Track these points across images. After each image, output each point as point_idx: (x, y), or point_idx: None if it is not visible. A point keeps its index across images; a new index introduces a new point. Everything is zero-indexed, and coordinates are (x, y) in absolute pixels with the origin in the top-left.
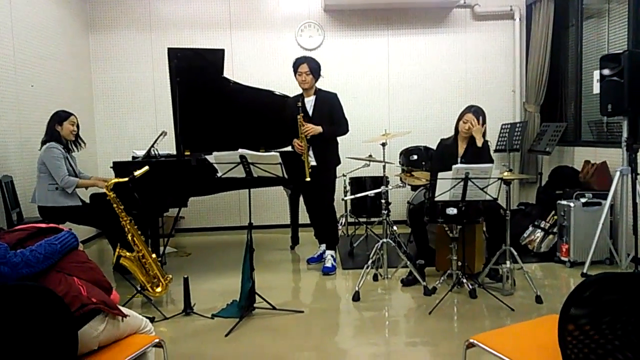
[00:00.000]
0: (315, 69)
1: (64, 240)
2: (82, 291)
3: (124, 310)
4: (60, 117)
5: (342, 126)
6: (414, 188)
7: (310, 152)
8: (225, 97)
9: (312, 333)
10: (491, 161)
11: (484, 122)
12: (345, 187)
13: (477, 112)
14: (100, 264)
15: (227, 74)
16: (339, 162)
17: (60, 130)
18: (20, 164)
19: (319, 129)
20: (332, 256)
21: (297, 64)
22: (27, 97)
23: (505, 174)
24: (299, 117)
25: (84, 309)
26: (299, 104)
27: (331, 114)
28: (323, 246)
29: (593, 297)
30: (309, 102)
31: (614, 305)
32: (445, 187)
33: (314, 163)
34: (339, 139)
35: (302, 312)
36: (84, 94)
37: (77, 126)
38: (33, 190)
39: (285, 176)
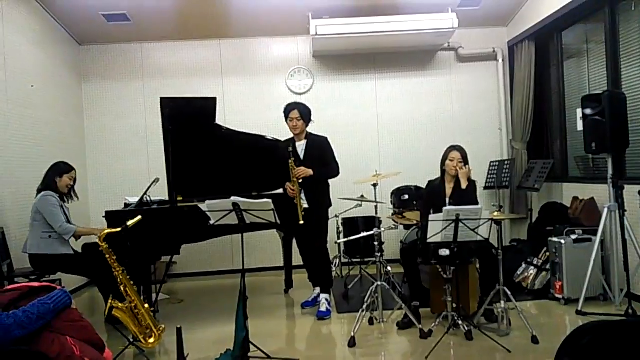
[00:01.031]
0: (305, 115)
1: (57, 299)
2: (75, 350)
3: None
4: (61, 169)
5: (333, 169)
6: (407, 227)
7: (303, 195)
8: (217, 143)
9: None
10: (476, 202)
11: (467, 162)
12: (338, 228)
13: (461, 149)
14: (92, 313)
15: (218, 118)
16: (330, 204)
17: (58, 182)
18: (13, 215)
19: (310, 171)
20: (326, 300)
21: (288, 110)
22: (20, 146)
23: (496, 214)
24: (290, 161)
25: None
26: (290, 148)
27: (322, 158)
28: (317, 289)
29: (587, 346)
30: (300, 146)
31: (607, 353)
32: (437, 228)
33: (306, 205)
34: (330, 180)
35: None
36: (76, 142)
37: (74, 180)
38: (25, 240)
39: (278, 222)
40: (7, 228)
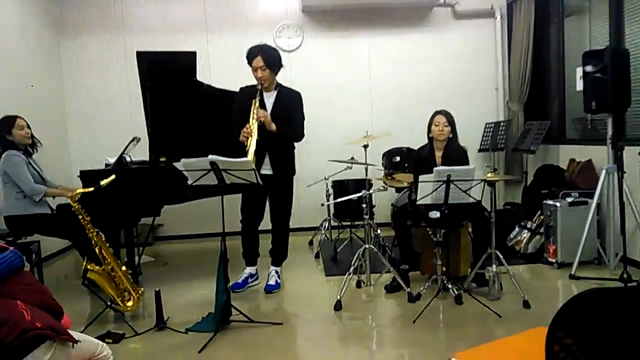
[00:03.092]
0: (272, 62)
1: (7, 259)
2: (26, 315)
3: (75, 335)
4: (7, 124)
5: (297, 130)
6: (398, 190)
7: (267, 159)
8: (199, 101)
9: (292, 346)
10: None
11: (453, 126)
12: (327, 191)
13: (447, 114)
14: (77, 276)
15: (203, 76)
16: (294, 172)
17: (13, 138)
18: None
19: (273, 125)
20: (276, 272)
21: (250, 57)
22: None
23: (489, 175)
24: (254, 100)
25: (26, 335)
26: (258, 95)
27: (291, 115)
28: (247, 269)
29: (585, 318)
30: (269, 97)
31: (606, 325)
32: (427, 190)
33: (269, 172)
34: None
35: (281, 324)
36: (54, 101)
37: (29, 126)
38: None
39: (260, 182)
40: None
